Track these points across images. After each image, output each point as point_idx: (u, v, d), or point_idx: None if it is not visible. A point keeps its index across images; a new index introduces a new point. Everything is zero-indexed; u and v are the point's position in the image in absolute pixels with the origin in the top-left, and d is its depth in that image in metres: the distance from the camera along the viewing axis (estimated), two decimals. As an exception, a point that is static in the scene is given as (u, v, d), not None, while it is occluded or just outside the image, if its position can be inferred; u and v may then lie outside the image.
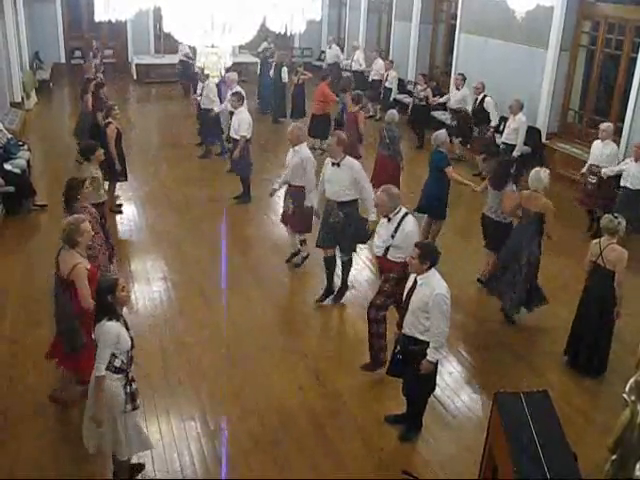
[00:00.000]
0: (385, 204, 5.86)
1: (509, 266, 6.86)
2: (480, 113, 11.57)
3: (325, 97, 12.25)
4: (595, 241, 6.02)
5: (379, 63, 15.60)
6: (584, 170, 9.25)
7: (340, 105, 12.16)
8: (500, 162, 7.82)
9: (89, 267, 5.04)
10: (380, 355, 5.87)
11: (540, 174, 6.71)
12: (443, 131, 8.47)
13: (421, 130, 13.31)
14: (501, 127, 11.62)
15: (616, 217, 5.88)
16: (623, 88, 10.69)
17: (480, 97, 11.58)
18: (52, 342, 5.37)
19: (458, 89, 12.19)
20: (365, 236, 7.11)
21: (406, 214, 5.85)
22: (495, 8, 12.11)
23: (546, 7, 10.00)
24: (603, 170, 8.72)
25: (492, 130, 11.46)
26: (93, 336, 4.29)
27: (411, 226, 5.79)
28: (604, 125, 9.13)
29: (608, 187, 8.88)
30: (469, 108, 12.02)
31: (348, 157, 7.01)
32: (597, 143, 9.13)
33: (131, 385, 4.34)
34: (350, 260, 7.31)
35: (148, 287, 7.43)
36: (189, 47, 15.67)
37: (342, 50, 18.67)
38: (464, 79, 12.29)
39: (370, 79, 15.76)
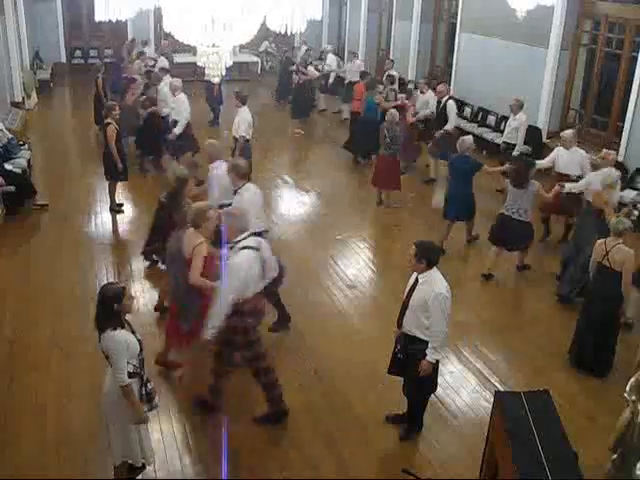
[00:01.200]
0: (233, 227, 5.05)
1: (574, 259, 7.20)
2: (444, 116, 11.31)
3: (362, 96, 12.40)
4: (600, 242, 6.00)
5: (356, 64, 15.40)
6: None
7: (367, 104, 12.25)
8: (522, 163, 7.88)
9: (207, 251, 5.41)
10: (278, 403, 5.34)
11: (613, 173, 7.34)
12: (469, 137, 8.50)
13: None
14: (502, 126, 11.59)
15: (629, 216, 5.94)
16: (624, 87, 10.68)
17: (444, 100, 11.37)
18: (169, 332, 5.75)
19: (422, 92, 12.12)
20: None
21: (245, 247, 4.96)
22: (496, 7, 12.11)
23: (547, 6, 9.97)
24: (567, 185, 7.83)
25: (443, 133, 11.16)
26: (99, 346, 4.27)
27: (240, 258, 4.91)
28: (565, 133, 8.61)
29: (574, 197, 8.08)
30: (428, 112, 11.65)
31: (248, 183, 6.47)
32: (561, 151, 8.54)
33: (146, 386, 4.34)
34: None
35: (149, 287, 7.43)
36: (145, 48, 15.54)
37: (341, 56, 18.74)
38: (427, 84, 12.26)
39: (347, 81, 15.33)
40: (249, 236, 5.09)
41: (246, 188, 6.44)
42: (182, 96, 10.72)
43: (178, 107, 10.64)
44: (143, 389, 4.30)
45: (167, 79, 11.50)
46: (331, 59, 16.64)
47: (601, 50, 11.28)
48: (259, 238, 5.29)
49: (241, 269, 4.89)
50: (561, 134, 8.84)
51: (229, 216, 5.21)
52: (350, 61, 16.16)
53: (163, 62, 13.89)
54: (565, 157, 8.49)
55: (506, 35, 12.71)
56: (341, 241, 8.87)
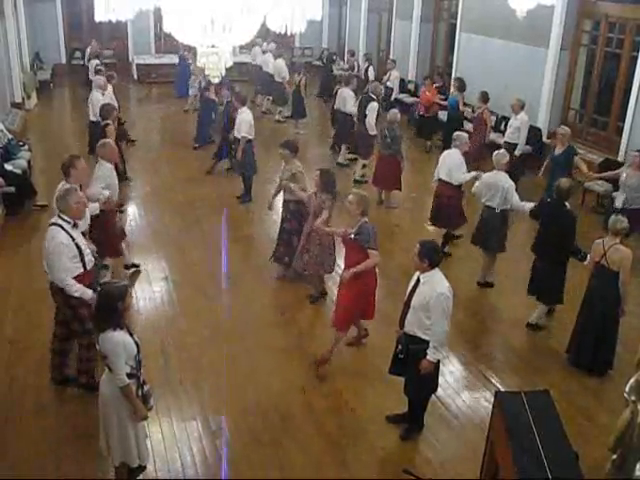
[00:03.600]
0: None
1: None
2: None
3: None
4: (598, 241, 6.01)
5: (279, 63, 15.11)
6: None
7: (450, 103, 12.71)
8: None
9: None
10: None
11: None
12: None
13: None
14: (502, 126, 11.59)
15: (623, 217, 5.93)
16: (624, 87, 10.68)
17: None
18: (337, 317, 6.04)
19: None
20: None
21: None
22: (496, 7, 12.13)
23: (547, 6, 9.98)
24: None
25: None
26: (97, 347, 4.28)
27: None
28: (455, 134, 8.43)
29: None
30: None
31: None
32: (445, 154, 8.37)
33: (143, 387, 4.34)
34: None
35: (149, 287, 7.43)
36: None
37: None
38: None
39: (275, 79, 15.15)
40: None
41: None
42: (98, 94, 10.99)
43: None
44: (140, 390, 4.30)
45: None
46: (266, 57, 15.96)
47: (601, 50, 11.28)
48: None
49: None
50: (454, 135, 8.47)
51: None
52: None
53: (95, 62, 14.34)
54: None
55: (506, 35, 12.72)
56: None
